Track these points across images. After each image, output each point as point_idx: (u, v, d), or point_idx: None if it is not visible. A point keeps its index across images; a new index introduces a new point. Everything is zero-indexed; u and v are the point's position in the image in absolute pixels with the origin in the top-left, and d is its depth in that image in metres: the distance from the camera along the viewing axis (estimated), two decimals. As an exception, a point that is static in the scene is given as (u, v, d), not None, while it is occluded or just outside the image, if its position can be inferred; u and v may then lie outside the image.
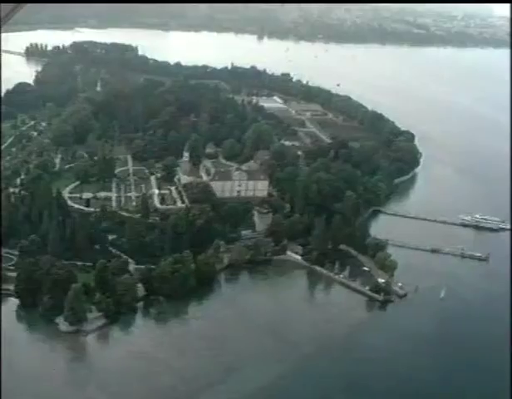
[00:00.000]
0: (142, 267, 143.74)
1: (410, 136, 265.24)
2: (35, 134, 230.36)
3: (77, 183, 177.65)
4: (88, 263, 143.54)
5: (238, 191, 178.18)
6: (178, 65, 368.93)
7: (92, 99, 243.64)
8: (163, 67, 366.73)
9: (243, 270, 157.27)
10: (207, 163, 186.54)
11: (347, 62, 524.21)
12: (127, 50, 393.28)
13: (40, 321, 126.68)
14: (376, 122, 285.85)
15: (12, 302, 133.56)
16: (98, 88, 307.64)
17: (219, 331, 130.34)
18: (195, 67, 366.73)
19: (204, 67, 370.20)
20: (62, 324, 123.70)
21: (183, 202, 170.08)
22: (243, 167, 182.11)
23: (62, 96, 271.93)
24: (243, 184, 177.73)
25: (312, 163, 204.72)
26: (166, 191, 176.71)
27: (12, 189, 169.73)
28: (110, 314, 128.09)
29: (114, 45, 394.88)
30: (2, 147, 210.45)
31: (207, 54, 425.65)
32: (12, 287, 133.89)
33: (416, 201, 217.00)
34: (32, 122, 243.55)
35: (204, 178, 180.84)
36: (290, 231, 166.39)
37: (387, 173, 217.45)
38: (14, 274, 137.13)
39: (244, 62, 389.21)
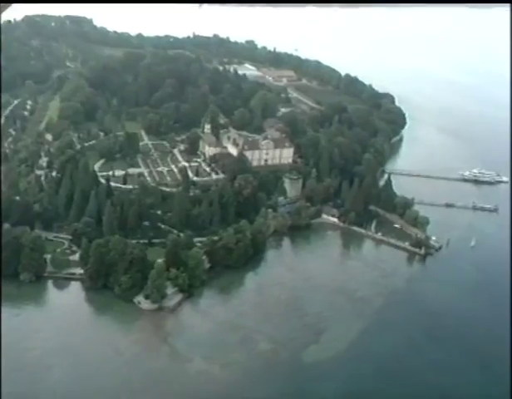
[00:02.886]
0: (197, 239, 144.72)
1: (391, 98, 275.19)
2: (26, 113, 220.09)
3: (102, 161, 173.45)
4: (143, 240, 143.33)
5: (266, 160, 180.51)
6: (140, 36, 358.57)
7: (83, 75, 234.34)
8: (124, 39, 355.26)
9: (285, 235, 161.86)
10: (230, 133, 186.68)
11: (290, 25, 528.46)
12: (82, 22, 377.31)
13: (117, 302, 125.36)
14: (352, 86, 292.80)
15: (75, 286, 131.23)
16: (68, 63, 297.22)
17: (290, 294, 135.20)
18: (158, 38, 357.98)
19: (167, 37, 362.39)
20: (144, 303, 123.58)
21: (216, 173, 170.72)
22: (269, 136, 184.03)
23: (38, 74, 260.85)
24: (270, 152, 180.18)
25: (319, 128, 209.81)
26: (195, 164, 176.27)
27: (38, 172, 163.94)
28: (185, 288, 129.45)
29: (67, 17, 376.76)
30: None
31: (155, 23, 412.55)
32: (77, 270, 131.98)
33: (411, 160, 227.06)
34: (16, 101, 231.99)
35: (229, 148, 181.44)
36: (323, 195, 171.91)
37: (385, 134, 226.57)
38: (75, 258, 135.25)
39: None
